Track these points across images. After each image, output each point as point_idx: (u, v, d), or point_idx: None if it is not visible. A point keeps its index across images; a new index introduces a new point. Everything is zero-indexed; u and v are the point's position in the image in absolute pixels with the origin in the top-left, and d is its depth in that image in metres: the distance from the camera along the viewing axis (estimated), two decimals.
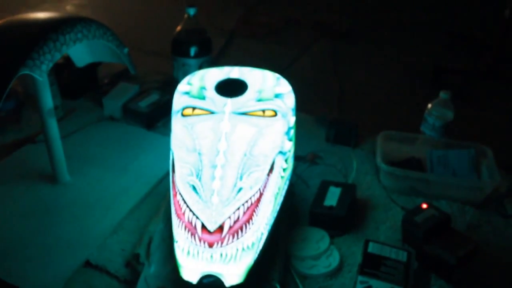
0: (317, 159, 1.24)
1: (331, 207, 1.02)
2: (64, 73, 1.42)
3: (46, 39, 0.95)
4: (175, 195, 0.88)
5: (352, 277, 0.92)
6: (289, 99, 1.00)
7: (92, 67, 1.46)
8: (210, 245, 0.80)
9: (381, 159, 1.14)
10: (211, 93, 1.01)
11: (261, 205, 0.86)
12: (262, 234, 0.84)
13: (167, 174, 1.11)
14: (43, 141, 1.11)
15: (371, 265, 0.90)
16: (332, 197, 1.04)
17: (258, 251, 0.83)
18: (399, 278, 0.87)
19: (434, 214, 0.98)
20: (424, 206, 1.00)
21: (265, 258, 0.86)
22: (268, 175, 0.89)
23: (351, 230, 1.04)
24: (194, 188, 0.86)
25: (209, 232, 0.81)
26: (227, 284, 0.80)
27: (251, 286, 0.83)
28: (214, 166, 0.88)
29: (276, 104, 0.98)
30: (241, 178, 0.87)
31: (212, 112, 0.96)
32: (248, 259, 0.81)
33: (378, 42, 2.12)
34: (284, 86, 1.03)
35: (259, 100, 0.98)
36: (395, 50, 2.04)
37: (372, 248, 0.94)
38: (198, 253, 0.80)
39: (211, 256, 0.79)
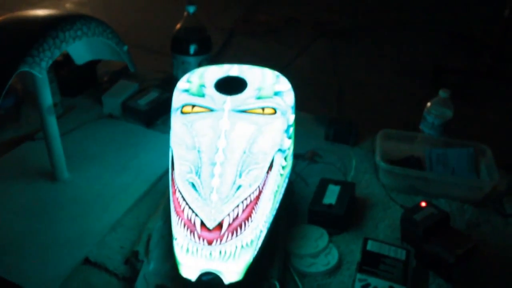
0: (316, 157, 1.25)
1: (330, 205, 1.02)
2: (64, 71, 1.42)
3: (46, 36, 0.95)
4: (174, 193, 0.88)
5: (351, 275, 0.92)
6: (289, 97, 1.00)
7: (92, 65, 1.46)
8: (209, 243, 0.80)
9: (380, 158, 1.15)
10: (211, 90, 1.01)
11: (260, 202, 0.86)
12: (261, 231, 0.84)
13: (166, 172, 1.11)
14: (42, 139, 1.11)
15: (370, 263, 0.90)
16: (331, 195, 1.04)
17: (257, 249, 0.83)
18: (398, 276, 0.88)
19: (433, 212, 0.98)
20: (423, 204, 1.00)
21: (264, 255, 0.86)
22: (267, 172, 0.89)
23: (350, 228, 1.04)
24: (193, 185, 0.86)
25: (208, 229, 0.81)
26: (226, 281, 0.80)
27: (250, 284, 0.83)
28: (214, 164, 0.88)
29: (275, 102, 0.98)
30: (240, 175, 0.87)
31: (211, 110, 0.96)
32: (247, 257, 0.81)
33: (378, 42, 2.12)
34: (283, 84, 1.03)
35: (259, 98, 0.98)
36: (395, 50, 2.04)
37: (371, 246, 0.94)
38: (197, 250, 0.80)
39: (210, 254, 0.79)
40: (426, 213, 0.98)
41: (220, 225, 0.81)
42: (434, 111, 1.24)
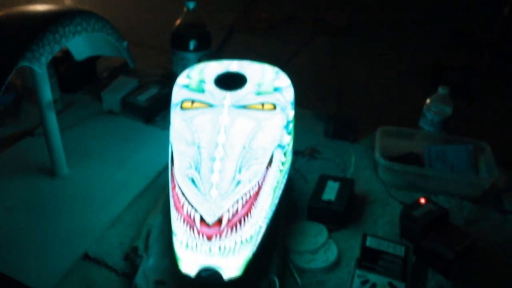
0: (316, 153, 1.25)
1: (329, 202, 1.02)
2: (63, 67, 1.42)
3: (46, 32, 0.94)
4: (174, 188, 0.88)
5: (350, 271, 0.92)
6: (288, 93, 1.00)
7: (91, 61, 1.46)
8: (209, 238, 0.80)
9: (380, 154, 1.15)
10: (210, 86, 1.01)
11: (259, 198, 0.86)
12: (260, 227, 0.84)
13: (165, 168, 1.11)
14: (42, 134, 1.10)
15: (369, 259, 0.90)
16: (331, 191, 1.05)
17: (256, 245, 0.83)
18: (397, 272, 0.88)
19: (432, 208, 0.98)
20: (422, 200, 1.00)
21: (263, 251, 0.86)
22: (267, 168, 0.89)
23: (349, 225, 1.04)
24: (193, 181, 0.86)
25: (207, 225, 0.81)
26: (225, 277, 0.80)
27: (249, 279, 0.83)
28: (213, 159, 0.88)
29: (275, 97, 0.98)
30: (240, 171, 0.87)
31: (211, 105, 0.96)
32: (246, 252, 0.81)
33: (377, 39, 2.12)
34: (283, 80, 1.03)
35: (258, 94, 0.98)
36: (395, 47, 2.03)
37: (370, 242, 0.94)
38: (196, 246, 0.80)
39: (210, 249, 0.79)
40: (425, 209, 0.98)
41: (219, 221, 0.81)
42: (434, 108, 1.24)
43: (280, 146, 0.93)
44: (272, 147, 0.92)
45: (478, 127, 1.46)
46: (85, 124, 1.34)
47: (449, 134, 1.24)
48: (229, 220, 0.82)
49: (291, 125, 1.00)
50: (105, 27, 1.09)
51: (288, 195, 1.04)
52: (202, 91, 1.00)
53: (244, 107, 0.95)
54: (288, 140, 0.98)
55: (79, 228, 1.02)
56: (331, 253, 0.96)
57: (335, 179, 1.08)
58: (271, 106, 0.96)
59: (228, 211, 0.82)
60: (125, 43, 1.17)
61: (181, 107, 0.98)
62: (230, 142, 0.90)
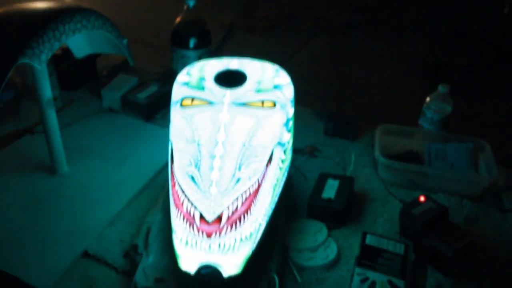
0: (316, 152, 1.25)
1: (329, 200, 1.02)
2: (63, 64, 1.42)
3: (46, 29, 0.94)
4: (173, 186, 0.88)
5: (349, 269, 0.92)
6: (288, 90, 1.00)
7: (91, 59, 1.46)
8: (208, 235, 0.80)
9: (379, 152, 1.15)
10: (210, 83, 1.01)
11: (259, 195, 0.86)
12: (260, 225, 0.84)
13: (165, 166, 1.11)
14: (42, 132, 1.10)
15: (369, 257, 0.90)
16: (330, 189, 1.05)
17: (256, 242, 0.83)
18: (397, 270, 0.88)
19: (431, 206, 0.98)
20: (422, 199, 1.00)
21: (263, 249, 0.86)
22: (267, 166, 0.89)
23: (348, 223, 1.04)
24: (192, 178, 0.86)
25: (207, 222, 0.81)
26: (225, 274, 0.80)
27: (249, 277, 0.83)
28: (213, 157, 0.88)
29: (275, 95, 0.98)
30: (239, 168, 0.87)
31: (211, 103, 0.96)
32: (246, 250, 0.81)
33: (377, 38, 2.12)
34: (283, 78, 1.03)
35: (258, 91, 0.98)
36: (394, 46, 2.04)
37: (369, 240, 0.94)
38: (196, 243, 0.80)
39: (209, 246, 0.79)
40: (425, 207, 0.98)
41: (219, 218, 0.81)
42: (434, 106, 1.24)
43: (280, 143, 0.93)
44: (272, 144, 0.92)
45: (478, 126, 1.46)
46: (85, 122, 1.34)
47: (449, 132, 1.24)
48: (228, 218, 0.82)
49: (291, 123, 1.00)
50: (105, 24, 1.09)
51: (288, 193, 1.04)
52: (202, 88, 1.00)
53: (244, 104, 0.95)
54: (288, 137, 0.98)
55: (79, 225, 1.02)
56: (331, 251, 0.96)
57: (335, 177, 1.08)
58: (271, 104, 0.96)
59: (228, 208, 0.82)
60: (125, 41, 1.17)
61: (181, 105, 0.98)
62: (230, 139, 0.90)
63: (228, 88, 0.99)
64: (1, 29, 0.96)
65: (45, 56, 0.95)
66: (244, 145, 0.90)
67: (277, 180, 0.92)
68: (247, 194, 0.85)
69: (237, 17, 2.25)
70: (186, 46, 1.42)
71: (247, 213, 0.83)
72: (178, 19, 1.44)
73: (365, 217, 1.06)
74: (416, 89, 1.66)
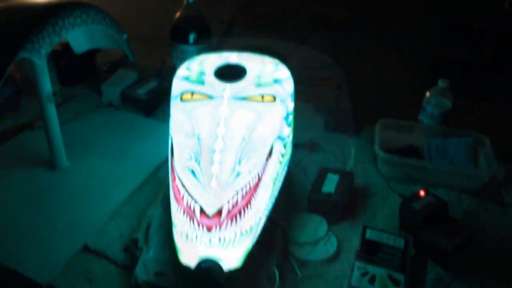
0: (316, 146, 1.25)
1: (329, 194, 1.02)
2: (63, 60, 1.42)
3: (45, 23, 0.95)
4: (174, 180, 0.88)
5: (349, 263, 0.93)
6: (288, 85, 1.00)
7: (91, 54, 1.46)
8: (209, 229, 0.80)
9: (379, 147, 1.15)
10: (210, 78, 1.00)
11: (259, 189, 0.86)
12: (260, 218, 0.84)
13: (165, 161, 1.11)
14: (42, 127, 1.11)
15: (369, 251, 0.91)
16: (330, 184, 1.05)
17: (256, 236, 0.84)
18: (396, 264, 0.88)
19: (431, 201, 0.98)
20: (422, 193, 1.00)
21: (263, 242, 0.86)
22: (267, 160, 0.89)
23: (348, 217, 1.04)
24: (193, 172, 0.86)
25: (207, 216, 0.81)
26: (225, 268, 0.80)
27: (249, 271, 0.83)
28: (213, 151, 0.88)
29: (275, 89, 0.98)
30: (239, 162, 0.87)
31: (211, 97, 0.96)
32: (246, 244, 0.81)
33: (377, 33, 2.12)
34: (283, 72, 1.03)
35: (258, 85, 0.98)
36: (394, 41, 2.03)
37: (369, 234, 0.94)
38: (196, 237, 0.80)
39: (210, 240, 0.80)
40: (425, 202, 0.98)
41: (219, 212, 0.82)
42: (433, 101, 1.24)
43: (280, 137, 0.93)
44: (272, 138, 0.92)
45: (477, 121, 1.46)
46: (85, 117, 1.34)
47: (448, 127, 1.24)
48: (229, 211, 0.82)
49: (290, 117, 1.00)
50: (105, 19, 1.09)
51: (288, 187, 1.04)
52: (202, 82, 1.00)
53: (244, 98, 0.95)
54: (288, 132, 0.98)
55: (79, 220, 1.02)
56: (331, 245, 0.96)
57: (334, 171, 1.09)
58: (271, 98, 0.96)
59: (228, 202, 0.83)
60: (124, 36, 1.17)
61: (181, 99, 0.98)
62: (230, 133, 0.90)
63: (228, 82, 0.99)
64: (1, 24, 0.96)
65: (45, 50, 0.95)
66: (244, 139, 0.90)
67: (277, 174, 0.92)
68: (247, 188, 0.85)
69: (237, 14, 2.25)
70: (186, 41, 1.42)
71: (247, 207, 0.83)
72: (177, 14, 1.44)
73: (365, 211, 1.06)
74: (416, 84, 1.66)
